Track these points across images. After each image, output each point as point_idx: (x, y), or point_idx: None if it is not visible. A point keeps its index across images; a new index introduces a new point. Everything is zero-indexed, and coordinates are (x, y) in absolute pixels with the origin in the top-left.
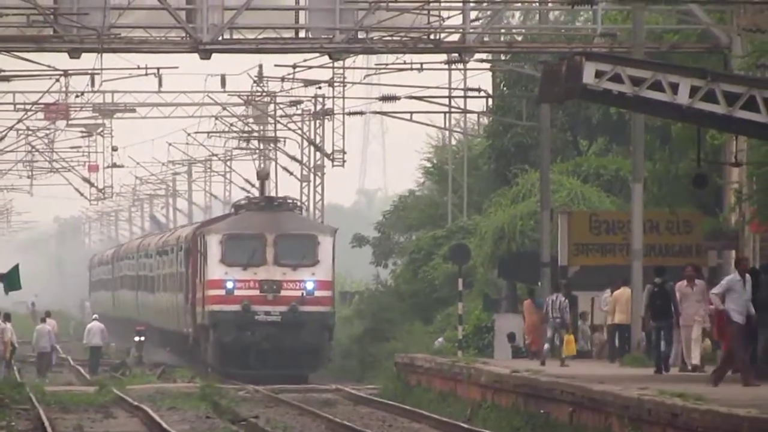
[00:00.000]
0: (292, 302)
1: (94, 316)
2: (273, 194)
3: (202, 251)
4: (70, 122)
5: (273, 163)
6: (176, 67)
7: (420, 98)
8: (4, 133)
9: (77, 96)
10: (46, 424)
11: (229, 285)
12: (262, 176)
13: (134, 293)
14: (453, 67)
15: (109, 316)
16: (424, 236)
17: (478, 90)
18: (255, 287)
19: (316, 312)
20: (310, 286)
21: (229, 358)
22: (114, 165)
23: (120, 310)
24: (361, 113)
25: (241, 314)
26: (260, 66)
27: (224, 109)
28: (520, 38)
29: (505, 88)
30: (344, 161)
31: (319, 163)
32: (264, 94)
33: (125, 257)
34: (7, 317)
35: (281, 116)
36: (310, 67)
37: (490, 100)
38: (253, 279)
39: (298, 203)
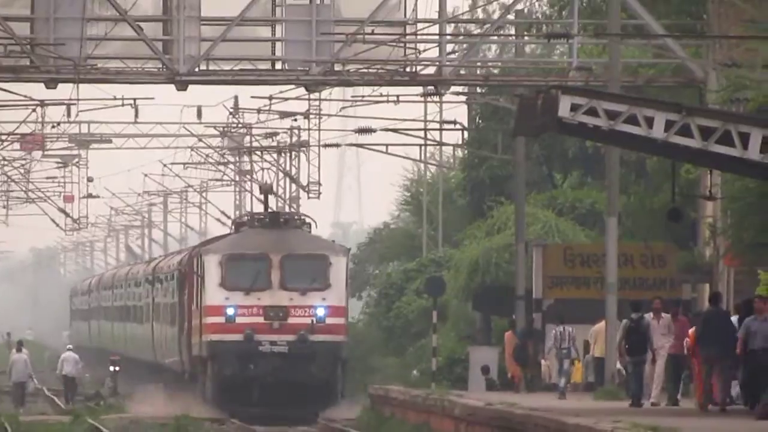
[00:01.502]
0: (301, 331)
1: (69, 346)
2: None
3: (200, 274)
4: (46, 152)
5: (275, 177)
6: (152, 98)
7: (396, 131)
8: None
9: (53, 126)
10: None
11: (230, 312)
12: (266, 190)
13: (121, 324)
14: (429, 99)
15: (92, 347)
16: (396, 270)
17: (454, 122)
18: (259, 314)
19: (327, 342)
20: (321, 312)
21: (230, 394)
22: (89, 195)
23: (105, 341)
24: (337, 145)
25: (244, 344)
26: (236, 97)
27: (200, 140)
28: (496, 71)
29: (480, 121)
30: (320, 193)
31: (294, 195)
32: (240, 125)
33: (111, 286)
34: None
35: (257, 148)
36: (286, 99)
37: (466, 133)
38: (256, 305)
39: (307, 220)
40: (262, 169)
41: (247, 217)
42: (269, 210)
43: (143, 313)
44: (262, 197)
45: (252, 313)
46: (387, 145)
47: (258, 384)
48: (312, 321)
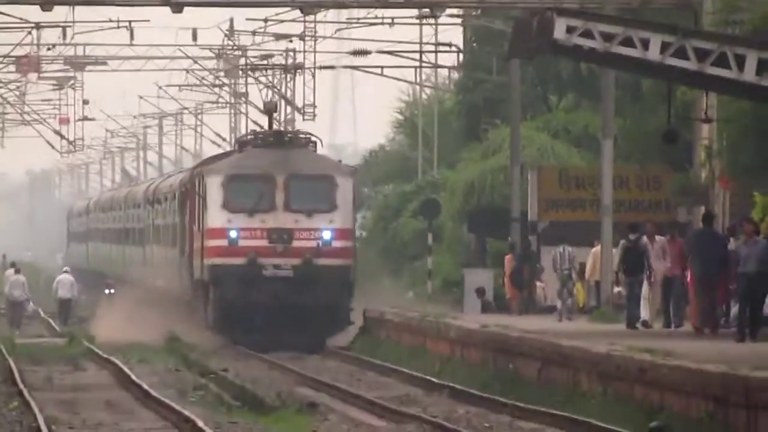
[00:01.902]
0: (306, 254)
1: (65, 268)
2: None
3: (201, 195)
4: (41, 75)
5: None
6: (148, 21)
7: (391, 53)
8: None
9: (49, 49)
10: (17, 375)
11: (233, 234)
12: (270, 108)
13: (119, 247)
14: (424, 22)
15: (89, 269)
16: (393, 192)
17: (449, 45)
18: (263, 237)
19: (334, 265)
20: (327, 235)
21: (233, 320)
22: (85, 118)
23: (102, 264)
24: (332, 67)
25: (247, 268)
26: (231, 20)
27: (195, 62)
28: None
29: (475, 44)
30: (315, 116)
31: (289, 117)
32: (235, 47)
33: (109, 208)
34: None
35: (253, 66)
36: (281, 21)
37: (461, 56)
38: (260, 227)
39: (313, 138)
40: (260, 90)
41: (250, 136)
42: (273, 128)
43: (142, 236)
44: (260, 117)
45: (255, 236)
46: (382, 68)
47: (262, 309)
48: (318, 244)
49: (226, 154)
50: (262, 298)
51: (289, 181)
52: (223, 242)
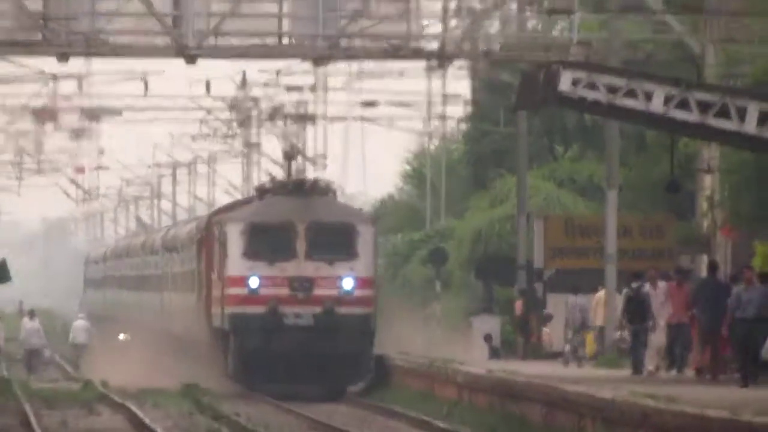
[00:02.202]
0: (328, 303)
1: (80, 315)
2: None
3: (221, 243)
4: (58, 125)
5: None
6: (162, 72)
7: (400, 105)
8: None
9: (66, 99)
10: (32, 419)
11: (253, 283)
12: (291, 155)
13: (135, 293)
14: (433, 74)
15: (106, 315)
16: (402, 240)
17: (457, 96)
18: (284, 285)
19: (355, 314)
20: (348, 284)
21: (253, 369)
22: (100, 167)
23: (118, 310)
24: (343, 119)
25: (268, 317)
26: (244, 72)
27: (208, 113)
28: (498, 46)
29: (482, 95)
30: (326, 165)
31: (301, 167)
32: (247, 99)
33: (125, 254)
34: None
35: (264, 121)
36: (293, 73)
37: (469, 107)
38: (281, 276)
39: (333, 186)
40: (276, 137)
41: (270, 184)
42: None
43: (159, 282)
44: (273, 167)
45: (276, 284)
46: (392, 119)
47: (283, 359)
48: (339, 293)
49: (245, 202)
50: (283, 347)
51: (310, 229)
52: (244, 291)
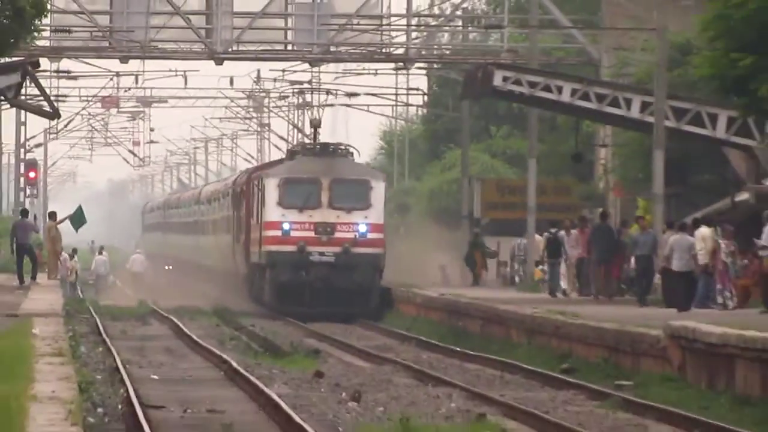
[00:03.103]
0: (345, 244)
1: (137, 250)
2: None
3: (260, 193)
4: (119, 110)
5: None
6: (197, 70)
7: (375, 95)
8: (72, 118)
9: (125, 91)
10: (101, 328)
11: (286, 227)
12: (315, 124)
13: (183, 235)
14: (399, 72)
15: (159, 253)
16: None
17: (417, 89)
18: (310, 229)
19: (368, 254)
20: (362, 228)
21: (285, 296)
22: (151, 141)
23: (169, 248)
24: (332, 105)
25: (297, 255)
26: (258, 70)
27: (231, 101)
28: (448, 52)
29: (436, 88)
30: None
31: (300, 141)
32: (261, 90)
33: (174, 206)
34: (74, 251)
35: (273, 107)
36: (295, 71)
37: (426, 97)
38: (308, 221)
39: (351, 149)
40: (285, 119)
41: (300, 146)
42: (319, 141)
43: (199, 226)
44: (280, 142)
45: (304, 228)
46: (368, 106)
47: (308, 288)
48: (355, 236)
49: (279, 161)
50: (309, 279)
51: (333, 184)
52: (278, 233)
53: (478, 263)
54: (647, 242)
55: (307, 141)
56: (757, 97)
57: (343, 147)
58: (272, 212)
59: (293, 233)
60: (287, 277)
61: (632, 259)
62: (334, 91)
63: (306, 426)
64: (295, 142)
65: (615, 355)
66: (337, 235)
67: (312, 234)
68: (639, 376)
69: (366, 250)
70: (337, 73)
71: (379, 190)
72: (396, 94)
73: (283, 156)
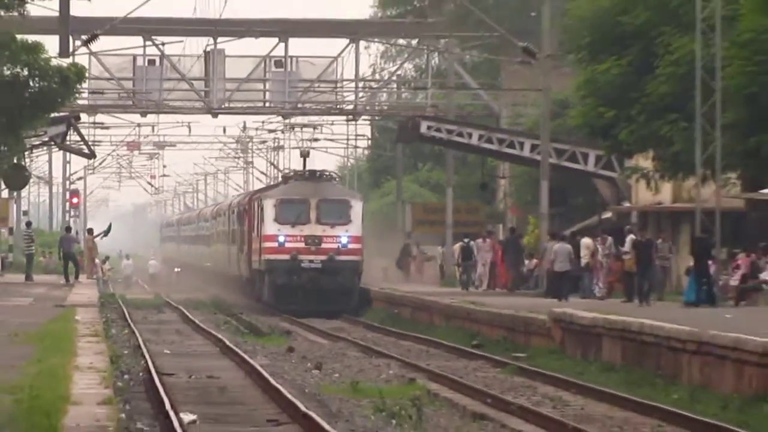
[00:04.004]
0: (330, 253)
1: (153, 257)
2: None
3: (260, 212)
4: (140, 152)
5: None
6: (198, 121)
7: (332, 140)
8: (104, 158)
9: (145, 137)
10: (127, 314)
11: (281, 239)
12: (304, 154)
13: (193, 246)
14: (350, 122)
15: (175, 259)
16: None
17: (363, 135)
18: (301, 241)
19: (349, 260)
20: (344, 240)
21: (281, 296)
22: (164, 175)
23: (182, 256)
24: (300, 148)
25: (290, 262)
26: (244, 122)
27: (224, 145)
28: (386, 107)
29: (377, 134)
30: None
31: (293, 169)
32: (246, 137)
33: (186, 222)
34: (107, 258)
35: (255, 149)
36: (272, 121)
37: (370, 141)
38: (299, 234)
39: (335, 175)
40: (264, 158)
41: (292, 173)
42: (307, 168)
43: (205, 239)
44: (261, 177)
45: (296, 240)
46: (327, 148)
47: (300, 290)
48: (338, 246)
49: (275, 185)
50: (301, 282)
51: (319, 203)
52: (275, 244)
53: (408, 265)
54: (563, 253)
55: (297, 169)
56: (618, 141)
57: (327, 173)
58: (270, 227)
59: (287, 244)
60: (283, 281)
61: (530, 261)
62: (301, 139)
63: (281, 388)
64: (277, 174)
65: (512, 334)
66: (324, 245)
67: (303, 245)
68: (530, 350)
69: (347, 257)
70: (303, 123)
71: (357, 208)
72: (347, 139)
73: (277, 181)
